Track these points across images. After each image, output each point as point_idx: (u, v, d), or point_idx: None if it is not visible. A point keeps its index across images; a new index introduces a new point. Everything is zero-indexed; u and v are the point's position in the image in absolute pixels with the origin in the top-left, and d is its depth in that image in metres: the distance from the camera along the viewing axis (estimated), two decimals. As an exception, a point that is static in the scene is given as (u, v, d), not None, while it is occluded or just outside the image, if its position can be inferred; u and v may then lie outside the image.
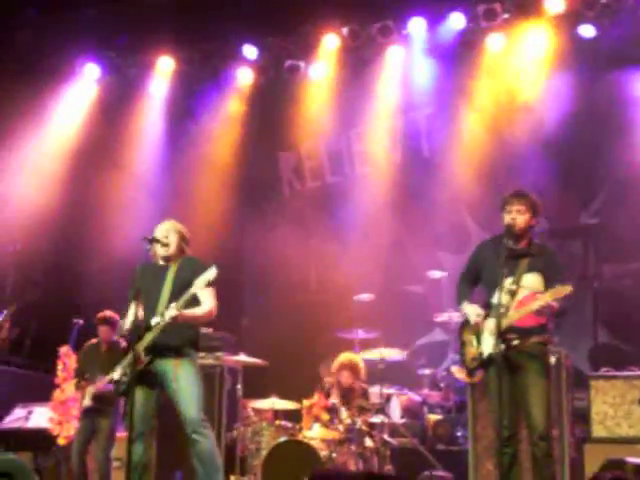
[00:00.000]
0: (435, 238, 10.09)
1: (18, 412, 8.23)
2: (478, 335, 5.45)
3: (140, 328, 5.69)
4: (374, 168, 10.36)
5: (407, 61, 9.75)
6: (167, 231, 5.87)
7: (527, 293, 5.31)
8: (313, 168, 10.88)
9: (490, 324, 5.31)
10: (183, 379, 5.66)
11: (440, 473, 7.41)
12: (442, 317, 8.71)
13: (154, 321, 5.62)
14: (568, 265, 9.10)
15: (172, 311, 5.55)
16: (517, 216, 5.36)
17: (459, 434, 8.08)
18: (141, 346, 5.64)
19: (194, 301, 5.73)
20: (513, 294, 5.29)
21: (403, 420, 8.34)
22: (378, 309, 8.93)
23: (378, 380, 8.04)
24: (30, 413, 8.15)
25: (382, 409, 7.82)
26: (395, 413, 8.28)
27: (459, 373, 6.74)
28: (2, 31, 9.83)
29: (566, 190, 9.57)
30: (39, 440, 7.82)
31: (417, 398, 8.61)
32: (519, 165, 9.41)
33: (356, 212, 10.14)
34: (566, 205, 9.56)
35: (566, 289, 5.07)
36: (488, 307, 5.41)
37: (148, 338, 5.62)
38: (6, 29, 9.90)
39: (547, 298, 5.11)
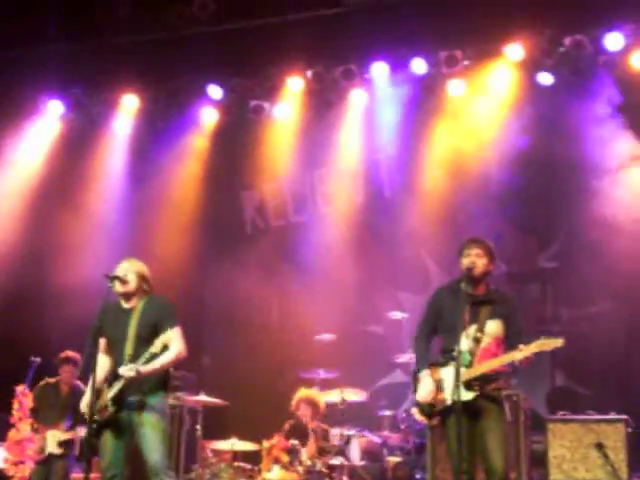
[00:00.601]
0: (396, 279, 10.17)
1: (-27, 452, 8.08)
2: (437, 382, 5.44)
3: (111, 373, 5.69)
4: (336, 208, 10.45)
5: (370, 104, 9.90)
6: (126, 269, 5.85)
7: (490, 340, 5.37)
8: (276, 207, 10.93)
9: (452, 372, 5.26)
10: (148, 425, 5.62)
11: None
12: (403, 358, 8.75)
13: (121, 370, 5.60)
14: (526, 309, 9.24)
15: (131, 372, 5.50)
16: (476, 259, 5.45)
17: (418, 477, 8.08)
18: (108, 395, 5.61)
19: (142, 344, 5.69)
20: (478, 341, 5.33)
21: (363, 462, 8.32)
22: (339, 349, 8.97)
23: (338, 421, 8.06)
24: (-15, 453, 8.02)
25: (342, 451, 7.83)
26: (355, 455, 8.26)
27: (419, 415, 6.76)
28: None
29: (524, 233, 9.74)
30: (-7, 481, 7.70)
31: (377, 440, 8.61)
32: (478, 207, 9.56)
33: (319, 252, 10.18)
34: (524, 248, 9.71)
35: (557, 342, 5.21)
36: (446, 352, 5.41)
37: (113, 389, 5.60)
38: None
39: (533, 350, 5.21)
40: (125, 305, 5.87)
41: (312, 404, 7.84)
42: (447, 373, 5.38)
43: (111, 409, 5.60)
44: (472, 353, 5.30)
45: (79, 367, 7.68)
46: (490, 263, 5.50)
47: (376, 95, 9.78)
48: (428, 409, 5.46)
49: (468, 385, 5.22)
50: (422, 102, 9.66)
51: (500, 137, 9.40)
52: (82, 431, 7.36)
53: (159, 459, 5.57)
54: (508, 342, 5.40)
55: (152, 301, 5.85)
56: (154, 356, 5.54)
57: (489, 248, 5.53)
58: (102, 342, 5.82)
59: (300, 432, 7.74)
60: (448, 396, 5.30)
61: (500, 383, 5.42)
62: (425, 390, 5.41)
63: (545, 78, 9.19)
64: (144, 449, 5.59)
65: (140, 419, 5.60)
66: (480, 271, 5.44)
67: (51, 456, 7.44)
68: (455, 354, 5.18)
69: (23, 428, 7.58)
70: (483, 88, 9.44)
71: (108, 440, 5.64)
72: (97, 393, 5.64)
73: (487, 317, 5.37)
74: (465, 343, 5.28)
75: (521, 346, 5.26)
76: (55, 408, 7.59)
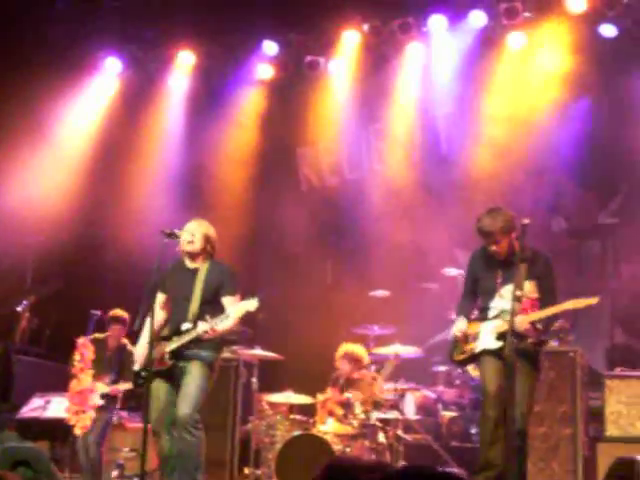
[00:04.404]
0: (451, 235, 10.08)
1: (36, 402, 8.32)
2: (473, 335, 5.65)
3: (169, 328, 5.80)
4: (392, 164, 10.36)
5: (427, 58, 9.75)
6: (194, 230, 5.95)
7: (525, 300, 5.41)
8: (332, 164, 10.88)
9: (491, 325, 5.51)
10: (190, 376, 5.74)
11: (453, 470, 7.43)
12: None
13: (184, 327, 5.72)
14: (586, 265, 9.10)
15: (205, 326, 5.64)
16: (495, 247, 5.52)
17: (473, 431, 8.09)
18: (167, 347, 5.73)
19: (218, 303, 5.81)
20: (519, 300, 5.34)
21: (417, 417, 8.35)
22: (394, 306, 8.94)
23: (392, 376, 8.07)
24: (48, 403, 8.24)
25: (396, 405, 7.85)
26: (409, 409, 8.29)
27: (474, 371, 6.79)
28: (34, 24, 9.90)
29: (585, 189, 9.54)
30: (56, 429, 7.92)
31: (432, 395, 8.62)
32: (538, 165, 9.39)
33: (373, 209, 10.14)
34: (585, 205, 9.53)
35: (592, 300, 5.26)
36: (482, 312, 5.63)
37: (175, 342, 5.71)
38: (38, 22, 9.97)
39: (572, 305, 5.30)
40: (189, 265, 5.96)
41: (352, 359, 7.87)
42: (483, 327, 5.58)
43: (169, 361, 5.72)
44: (515, 311, 5.31)
45: (127, 326, 7.86)
46: (509, 236, 5.48)
47: (433, 49, 9.63)
48: (459, 350, 5.72)
49: (500, 336, 5.39)
50: (481, 56, 9.47)
51: (561, 91, 9.18)
52: (124, 386, 7.67)
53: (188, 412, 5.67)
54: (541, 303, 5.49)
55: (216, 265, 5.98)
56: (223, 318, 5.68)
57: (499, 228, 5.46)
58: (160, 297, 5.95)
59: (345, 381, 7.78)
60: (478, 344, 5.55)
61: (537, 339, 5.51)
62: (458, 326, 5.66)
63: (608, 30, 8.94)
64: (179, 398, 5.70)
65: (186, 369, 5.72)
66: (504, 253, 5.51)
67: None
68: (492, 311, 5.47)
69: (84, 379, 7.74)
70: (544, 41, 9.22)
71: (159, 389, 5.79)
72: (152, 345, 5.76)
73: (524, 277, 5.38)
74: (500, 303, 5.48)
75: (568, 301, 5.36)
76: (101, 363, 7.80)
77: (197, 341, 5.74)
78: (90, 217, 10.10)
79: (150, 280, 5.81)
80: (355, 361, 7.82)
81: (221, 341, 5.98)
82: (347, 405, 7.52)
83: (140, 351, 5.93)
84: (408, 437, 7.70)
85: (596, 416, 7.12)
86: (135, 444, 7.88)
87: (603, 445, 6.85)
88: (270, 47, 10.02)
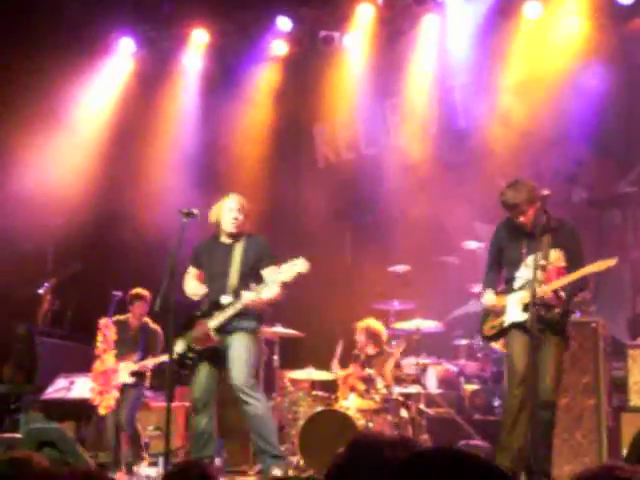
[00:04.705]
0: (470, 208, 10.02)
1: (60, 382, 8.39)
2: (497, 312, 5.62)
3: (208, 304, 5.81)
4: (409, 139, 10.29)
5: (442, 30, 9.65)
6: (237, 207, 5.98)
7: (550, 268, 5.42)
8: (348, 140, 10.83)
9: (517, 297, 5.48)
10: (237, 344, 5.78)
11: (477, 443, 7.44)
12: (478, 288, 8.65)
13: (225, 300, 5.72)
14: (606, 234, 9.03)
15: (251, 295, 5.64)
16: (523, 218, 5.49)
17: (496, 404, 8.08)
18: (211, 323, 5.74)
19: (256, 276, 5.81)
20: (544, 268, 5.37)
21: (439, 390, 8.35)
22: (414, 280, 8.91)
23: (414, 350, 8.07)
24: (72, 383, 8.30)
25: (418, 379, 7.86)
26: (431, 383, 8.30)
27: (496, 343, 6.77)
28: (48, 5, 9.89)
29: (605, 159, 9.44)
30: (81, 410, 7.99)
31: (453, 368, 8.61)
32: (556, 135, 9.30)
33: (391, 184, 10.10)
34: (605, 174, 9.43)
35: (611, 261, 5.23)
36: (508, 283, 5.60)
37: (219, 317, 5.72)
38: (51, 3, 9.96)
39: (593, 269, 5.28)
40: (225, 240, 5.96)
41: (370, 334, 7.87)
42: (509, 299, 5.54)
43: (216, 337, 5.73)
44: (540, 280, 5.32)
45: (149, 303, 7.93)
46: (533, 206, 5.45)
47: (449, 20, 9.53)
48: (489, 324, 5.67)
49: (526, 308, 5.34)
50: (497, 26, 9.36)
51: (578, 59, 9.07)
52: (152, 362, 7.77)
53: (243, 378, 5.70)
54: (568, 271, 5.45)
55: (252, 237, 6.02)
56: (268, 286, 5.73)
57: (528, 196, 5.44)
58: (193, 271, 5.97)
59: (363, 361, 7.80)
60: (506, 318, 5.50)
61: (565, 309, 5.48)
62: (487, 299, 5.63)
63: (625, -3, 8.81)
64: (231, 367, 5.73)
65: (231, 342, 5.74)
66: (530, 223, 5.46)
67: (125, 385, 7.74)
68: (517, 281, 5.45)
69: (107, 359, 7.79)
70: (560, 9, 9.10)
71: (200, 370, 5.81)
72: (189, 325, 5.79)
73: (549, 246, 5.43)
74: (525, 272, 5.42)
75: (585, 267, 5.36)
76: (126, 342, 7.88)
77: (239, 314, 5.77)
78: (108, 198, 10.13)
79: (170, 259, 5.83)
80: (373, 336, 7.82)
81: (262, 312, 5.99)
82: (369, 380, 7.54)
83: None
84: (430, 411, 7.71)
85: (620, 386, 7.08)
86: (159, 423, 7.95)
87: (627, 415, 6.82)
88: (284, 23, 9.95)
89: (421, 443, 7.28)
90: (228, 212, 5.97)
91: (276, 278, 5.68)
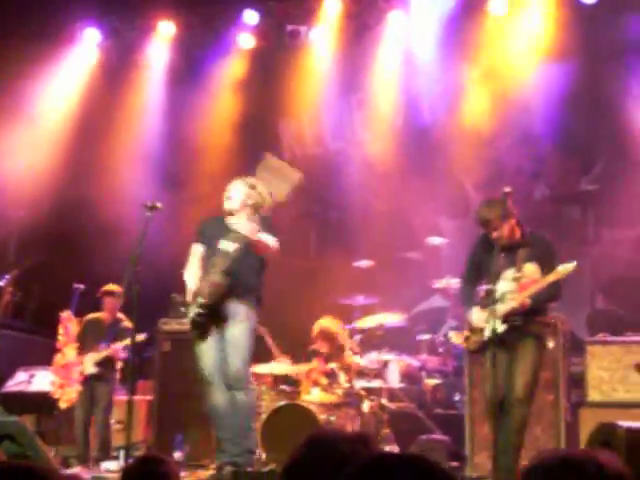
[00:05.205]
0: (434, 204, 10.09)
1: (21, 376, 8.33)
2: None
3: (214, 257, 5.82)
4: (375, 134, 10.33)
5: (408, 26, 9.69)
6: (233, 188, 6.09)
7: (527, 281, 5.55)
8: (314, 134, 10.83)
9: (493, 309, 5.55)
10: (238, 328, 5.78)
11: (437, 437, 7.49)
12: (441, 283, 8.73)
13: (224, 245, 5.74)
14: (567, 231, 9.14)
15: (249, 227, 5.71)
16: (495, 233, 5.58)
17: (457, 399, 8.15)
18: (217, 270, 5.71)
19: (250, 255, 5.87)
20: (517, 281, 5.55)
21: (401, 385, 8.40)
22: (378, 275, 8.96)
23: (376, 346, 8.11)
24: (32, 377, 8.25)
25: (380, 374, 7.90)
26: (394, 378, 8.34)
27: (457, 339, 6.83)
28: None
29: (567, 156, 9.55)
30: (41, 403, 7.93)
31: (415, 363, 8.67)
32: (519, 132, 9.39)
33: (356, 179, 10.13)
34: (566, 171, 9.54)
35: (570, 266, 5.38)
36: (488, 295, 5.66)
37: (221, 263, 5.72)
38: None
39: (554, 277, 5.42)
40: (230, 220, 6.02)
41: (327, 337, 7.88)
42: (489, 312, 5.60)
43: (224, 281, 5.71)
44: (513, 292, 5.52)
45: (120, 299, 7.85)
46: (509, 221, 5.56)
47: (414, 16, 9.57)
48: (472, 340, 5.78)
49: (504, 319, 5.51)
50: (462, 23, 9.42)
51: (542, 57, 9.16)
52: (121, 344, 7.67)
53: (241, 367, 5.70)
54: None
55: (259, 219, 6.02)
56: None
57: (502, 212, 5.53)
58: (200, 248, 5.97)
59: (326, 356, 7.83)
60: (486, 331, 5.57)
61: (542, 317, 5.66)
62: (478, 316, 5.68)
63: (588, -5, 8.90)
64: (229, 353, 5.72)
65: (237, 317, 5.76)
66: (505, 237, 5.57)
67: (91, 378, 7.64)
68: (490, 294, 5.55)
69: (68, 353, 7.75)
70: (525, 6, 9.18)
71: (209, 343, 5.81)
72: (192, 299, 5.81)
73: (523, 260, 5.57)
74: (504, 285, 5.57)
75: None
76: (96, 338, 7.81)
77: (243, 274, 5.87)
78: (70, 190, 10.04)
79: (134, 252, 5.81)
80: (330, 339, 7.83)
81: (260, 289, 6.13)
82: (332, 375, 7.56)
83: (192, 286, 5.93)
84: (392, 405, 7.75)
85: (578, 382, 7.18)
86: (121, 416, 7.91)
87: (585, 410, 6.91)
88: (251, 16, 9.92)
89: (383, 437, 7.34)
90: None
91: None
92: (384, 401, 7.60)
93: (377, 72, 10.04)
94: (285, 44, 10.09)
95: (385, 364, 8.17)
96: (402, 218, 10.03)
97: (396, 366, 8.38)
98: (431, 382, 8.41)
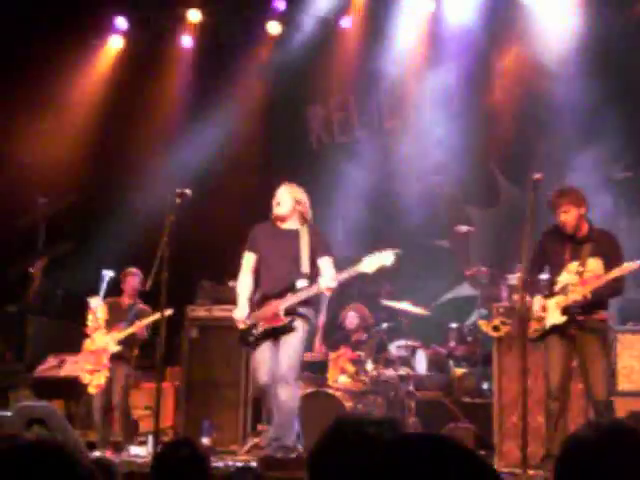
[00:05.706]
0: (464, 192, 10.02)
1: (51, 361, 8.40)
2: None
3: (276, 286, 5.83)
4: (403, 121, 10.26)
5: (437, 10, 9.62)
6: (281, 193, 6.02)
7: (590, 275, 5.68)
8: (342, 122, 10.79)
9: (555, 300, 5.73)
10: (292, 334, 5.80)
11: (465, 425, 7.47)
12: (469, 272, 8.69)
13: (300, 284, 5.74)
14: (598, 221, 9.01)
15: (330, 283, 5.69)
16: (564, 216, 5.72)
17: (484, 387, 8.11)
18: (283, 304, 5.73)
19: (315, 266, 5.88)
20: (580, 275, 5.69)
21: (429, 373, 8.38)
22: (405, 263, 8.89)
23: (404, 333, 8.08)
24: (62, 362, 8.32)
25: (408, 362, 7.88)
26: (421, 366, 8.32)
27: (485, 327, 6.80)
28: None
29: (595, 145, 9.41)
30: (71, 388, 7.99)
31: (443, 351, 8.64)
32: (550, 118, 9.28)
33: (384, 167, 10.06)
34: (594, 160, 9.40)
35: (635, 264, 5.52)
36: (551, 286, 5.83)
37: (291, 299, 5.74)
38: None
39: (619, 272, 5.57)
40: (283, 226, 5.97)
41: (362, 319, 7.89)
42: (550, 302, 5.77)
43: (285, 320, 5.75)
44: (575, 285, 5.65)
45: (141, 279, 7.87)
46: (580, 210, 5.71)
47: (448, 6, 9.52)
48: (533, 327, 5.81)
49: (565, 310, 5.66)
50: (490, 9, 9.33)
51: (572, 43, 9.04)
52: (146, 321, 7.67)
53: (287, 369, 5.73)
54: None
55: (311, 227, 6.02)
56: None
57: (574, 198, 5.71)
58: (252, 257, 5.98)
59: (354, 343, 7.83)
60: (547, 321, 5.74)
61: (604, 315, 5.80)
62: (537, 304, 5.79)
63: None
64: (280, 354, 5.75)
65: (291, 326, 5.77)
66: (572, 225, 5.72)
67: (111, 357, 7.67)
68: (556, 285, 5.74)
69: (97, 338, 7.79)
70: None
71: (265, 349, 5.83)
72: (260, 303, 5.83)
73: (588, 255, 5.71)
74: (566, 277, 5.71)
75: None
76: (117, 319, 7.84)
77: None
78: (98, 176, 10.11)
79: (164, 240, 5.83)
80: (364, 321, 7.84)
81: (318, 300, 6.14)
82: (359, 362, 7.56)
83: (243, 310, 5.94)
84: (419, 393, 7.73)
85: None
86: (149, 402, 7.96)
87: (615, 399, 6.82)
88: (279, 2, 9.90)
89: (409, 425, 7.32)
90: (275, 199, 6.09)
91: (364, 267, 5.71)
92: (411, 389, 7.58)
93: (405, 57, 9.94)
94: (315, 31, 10.04)
95: (413, 352, 8.15)
96: (430, 206, 9.95)
97: (423, 354, 8.36)
98: (459, 370, 8.38)
